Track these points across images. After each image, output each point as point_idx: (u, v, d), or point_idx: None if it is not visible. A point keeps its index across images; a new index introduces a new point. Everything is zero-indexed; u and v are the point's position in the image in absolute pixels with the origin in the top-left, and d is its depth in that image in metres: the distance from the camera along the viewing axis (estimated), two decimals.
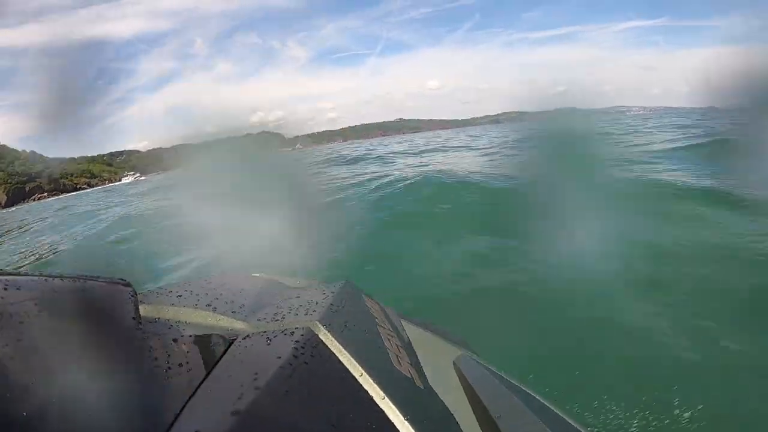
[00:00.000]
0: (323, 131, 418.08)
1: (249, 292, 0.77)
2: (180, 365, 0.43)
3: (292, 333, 0.57)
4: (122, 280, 0.51)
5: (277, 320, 0.64)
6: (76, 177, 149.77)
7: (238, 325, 0.61)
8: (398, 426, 0.50)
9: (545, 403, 0.80)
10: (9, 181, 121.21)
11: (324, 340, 0.58)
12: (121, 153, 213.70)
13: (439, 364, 0.84)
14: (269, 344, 0.53)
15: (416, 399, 0.60)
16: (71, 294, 0.43)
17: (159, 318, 0.59)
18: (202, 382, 0.43)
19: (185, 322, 0.60)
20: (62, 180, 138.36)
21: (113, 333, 0.41)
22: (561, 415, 0.77)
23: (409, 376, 0.65)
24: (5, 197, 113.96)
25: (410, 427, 0.50)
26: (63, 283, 0.44)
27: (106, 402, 0.32)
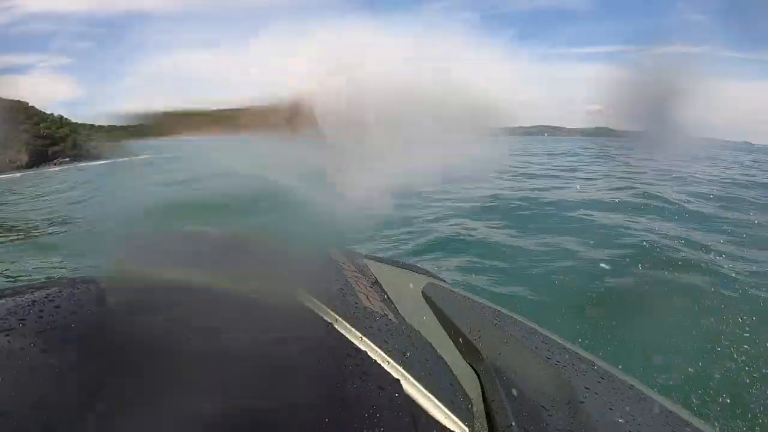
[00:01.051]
0: None
1: (216, 247, 0.80)
2: (175, 332, 0.48)
3: (275, 295, 0.59)
4: (84, 277, 0.56)
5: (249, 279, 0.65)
6: (101, 144, 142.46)
7: (221, 282, 0.61)
8: (380, 362, 0.51)
9: (516, 316, 0.83)
10: (32, 142, 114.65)
11: (302, 300, 0.59)
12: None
13: (408, 295, 0.88)
14: (253, 306, 0.55)
15: (392, 333, 0.60)
16: (38, 298, 0.47)
17: (130, 298, 0.59)
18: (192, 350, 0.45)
19: (173, 285, 0.61)
20: (86, 147, 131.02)
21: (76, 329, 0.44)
22: (532, 325, 0.78)
23: (381, 312, 0.66)
24: (27, 158, 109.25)
25: (391, 361, 0.51)
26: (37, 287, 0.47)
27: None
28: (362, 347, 0.53)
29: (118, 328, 0.43)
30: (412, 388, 0.48)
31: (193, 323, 0.48)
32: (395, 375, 0.50)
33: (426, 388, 0.49)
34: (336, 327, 0.55)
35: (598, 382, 0.65)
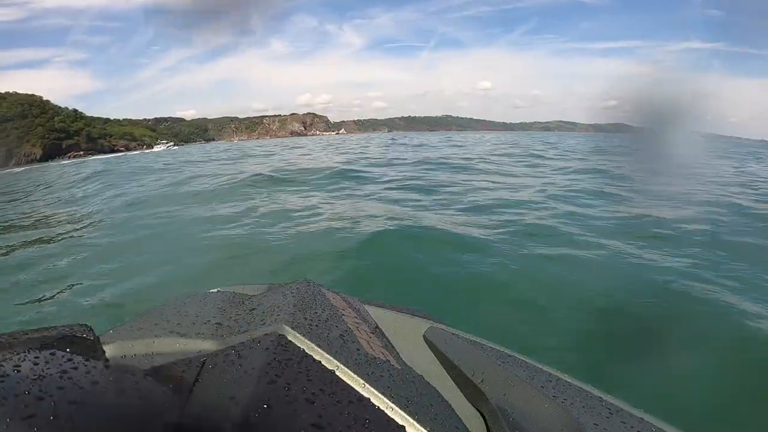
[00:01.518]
0: (368, 119, 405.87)
1: (209, 310, 0.77)
2: (155, 399, 0.43)
3: (260, 341, 0.57)
4: (82, 325, 0.53)
5: (244, 331, 0.63)
6: (116, 139, 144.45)
7: (206, 345, 0.60)
8: (384, 409, 0.50)
9: (522, 358, 0.80)
10: (47, 136, 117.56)
11: (294, 341, 0.59)
12: (166, 119, 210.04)
13: (410, 340, 0.85)
14: (240, 357, 0.54)
15: (396, 379, 0.60)
16: (29, 350, 0.43)
17: (125, 355, 0.59)
18: (181, 411, 0.42)
19: (152, 353, 0.59)
20: (100, 140, 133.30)
21: (81, 381, 0.40)
22: (536, 364, 0.77)
23: (384, 359, 0.66)
24: (41, 151, 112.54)
25: (396, 407, 0.50)
26: (22, 339, 0.45)
27: None
28: (365, 394, 0.51)
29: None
30: None
31: (185, 382, 0.46)
32: (400, 421, 0.49)
33: None
34: (338, 374, 0.54)
35: (607, 417, 0.64)
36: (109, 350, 0.56)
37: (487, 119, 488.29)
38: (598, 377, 1.81)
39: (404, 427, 0.48)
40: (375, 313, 0.95)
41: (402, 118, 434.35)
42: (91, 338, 0.50)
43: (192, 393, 0.45)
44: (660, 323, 3.02)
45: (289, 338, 0.59)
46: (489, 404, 0.63)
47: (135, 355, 0.59)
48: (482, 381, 0.67)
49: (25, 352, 0.42)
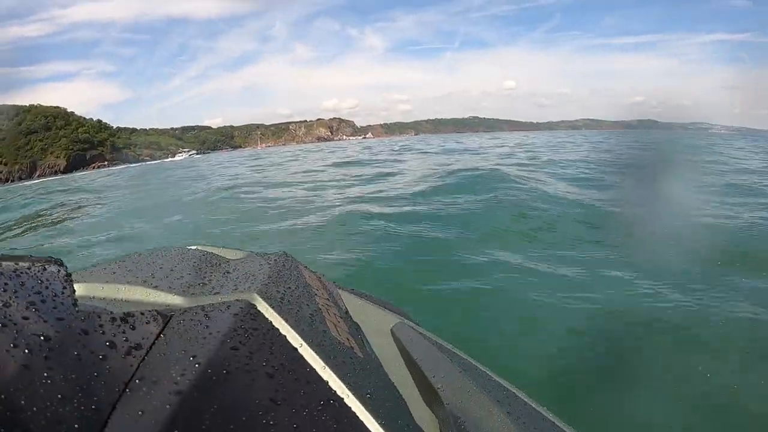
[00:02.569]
0: (395, 122, 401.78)
1: (185, 266, 0.76)
2: (117, 344, 0.42)
3: (229, 306, 0.57)
4: (53, 258, 0.52)
5: (215, 293, 0.63)
6: (141, 148, 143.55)
7: (175, 300, 0.61)
8: (340, 394, 0.50)
9: (480, 367, 0.81)
10: (71, 147, 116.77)
11: (263, 312, 0.58)
12: (192, 128, 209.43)
13: (378, 332, 0.85)
14: (208, 318, 0.53)
15: (356, 367, 0.60)
16: (8, 273, 0.43)
17: (94, 296, 0.59)
18: (141, 361, 0.42)
19: (121, 299, 0.60)
20: (125, 150, 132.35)
21: (46, 314, 0.40)
22: (494, 376, 0.77)
23: (348, 345, 0.65)
24: (65, 162, 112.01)
25: (351, 395, 0.50)
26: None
27: (41, 388, 0.32)
28: (324, 376, 0.51)
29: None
30: (370, 424, 0.48)
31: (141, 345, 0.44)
32: (354, 409, 0.49)
33: (383, 427, 0.48)
34: (300, 351, 0.53)
35: None
36: (78, 289, 0.54)
37: (513, 119, 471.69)
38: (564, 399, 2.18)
39: (357, 415, 0.48)
40: (347, 298, 0.94)
41: (428, 121, 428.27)
42: (62, 274, 0.48)
43: (153, 346, 0.44)
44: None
45: (259, 308, 0.58)
46: (444, 409, 0.62)
47: (103, 298, 0.58)
48: (441, 386, 0.66)
49: None
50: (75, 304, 0.43)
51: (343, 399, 0.49)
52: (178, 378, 0.39)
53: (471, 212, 6.80)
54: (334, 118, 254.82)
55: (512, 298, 3.46)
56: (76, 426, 0.30)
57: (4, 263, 0.44)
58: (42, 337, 0.35)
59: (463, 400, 0.63)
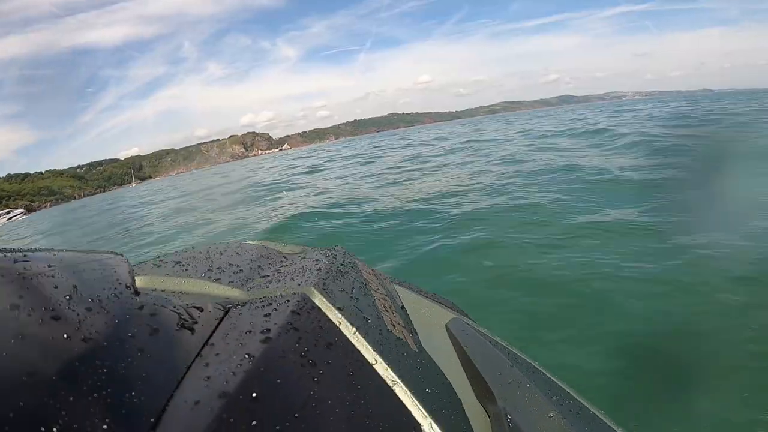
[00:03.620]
0: (314, 130, 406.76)
1: (243, 260, 0.78)
2: (176, 335, 0.43)
3: (287, 300, 0.58)
4: (116, 253, 0.53)
5: (273, 287, 0.65)
6: (14, 200, 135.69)
7: (234, 293, 0.62)
8: (393, 388, 0.52)
9: (536, 366, 0.81)
10: None
11: (319, 305, 0.59)
12: (100, 163, 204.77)
13: (432, 327, 0.86)
14: (265, 311, 0.54)
15: (410, 362, 0.61)
16: (76, 265, 0.44)
17: (155, 288, 0.61)
18: (199, 352, 0.43)
19: (181, 291, 0.62)
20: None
21: (109, 304, 0.40)
22: (550, 376, 0.79)
23: (403, 339, 0.66)
24: None
25: (405, 389, 0.52)
26: (58, 255, 0.45)
27: (105, 374, 0.32)
28: (378, 369, 0.53)
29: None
30: (422, 418, 0.50)
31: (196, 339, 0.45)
32: (406, 403, 0.51)
33: (435, 420, 0.50)
34: (354, 344, 0.55)
35: None
36: (140, 281, 0.58)
37: (434, 111, 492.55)
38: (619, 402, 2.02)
39: (409, 408, 0.50)
40: (403, 293, 0.97)
41: (348, 123, 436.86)
42: (125, 267, 0.49)
43: (211, 337, 0.46)
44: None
45: (315, 301, 0.59)
46: (496, 405, 0.62)
47: (164, 290, 0.61)
48: (493, 381, 0.67)
49: (60, 271, 0.41)
50: (137, 295, 0.45)
51: (396, 392, 0.51)
52: (234, 369, 0.40)
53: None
54: (249, 133, 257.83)
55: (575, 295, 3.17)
56: (134, 414, 0.31)
57: (67, 256, 0.45)
58: (105, 327, 0.36)
59: (516, 397, 0.64)
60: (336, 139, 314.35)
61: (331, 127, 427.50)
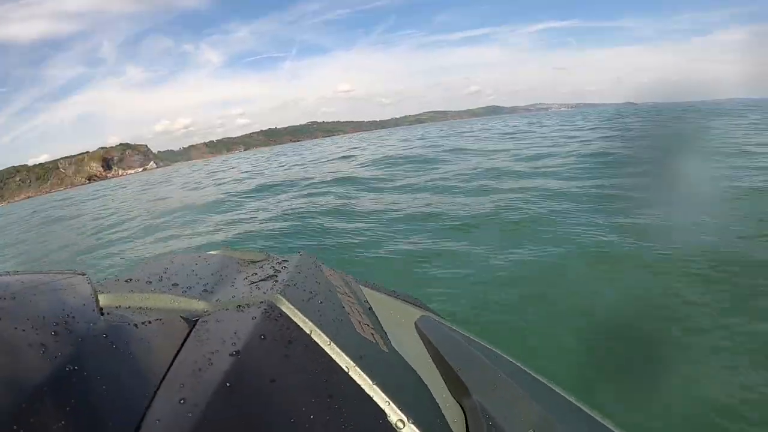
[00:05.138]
0: (222, 139, 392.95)
1: (207, 270, 0.78)
2: (146, 351, 0.44)
3: (254, 309, 0.59)
4: (77, 270, 0.55)
5: (238, 296, 0.65)
6: None
7: (200, 305, 0.62)
8: (368, 391, 0.52)
9: (506, 356, 0.83)
10: None
11: (287, 312, 0.60)
12: None
13: (401, 326, 0.87)
14: (232, 322, 0.55)
15: (383, 363, 0.63)
16: (31, 289, 0.45)
17: (120, 306, 0.60)
18: (170, 366, 0.44)
19: (146, 307, 0.61)
20: None
21: (76, 325, 0.41)
22: (521, 366, 0.81)
23: (373, 341, 0.68)
24: None
25: (379, 391, 0.52)
26: (20, 278, 0.47)
27: (74, 395, 0.33)
28: (350, 373, 0.53)
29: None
30: (397, 417, 0.50)
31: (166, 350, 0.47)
32: (380, 403, 0.51)
33: (410, 420, 0.51)
34: (325, 350, 0.56)
35: (586, 429, 0.67)
36: (105, 299, 0.57)
37: (356, 120, 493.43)
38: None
39: (384, 409, 0.50)
40: (370, 294, 0.96)
41: (261, 132, 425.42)
42: (88, 287, 0.50)
43: (180, 352, 0.46)
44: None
45: (283, 309, 0.60)
46: (471, 399, 0.63)
47: (128, 307, 0.59)
48: (467, 376, 0.68)
49: (21, 295, 0.42)
50: (102, 313, 0.45)
51: (370, 395, 0.51)
52: (206, 381, 0.41)
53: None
54: (118, 145, 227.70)
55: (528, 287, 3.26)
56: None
57: (30, 278, 0.46)
58: (70, 349, 0.37)
59: (489, 389, 0.65)
60: (245, 149, 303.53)
61: (241, 136, 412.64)
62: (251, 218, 7.40)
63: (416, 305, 1.03)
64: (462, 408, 0.65)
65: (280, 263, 0.84)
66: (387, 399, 0.52)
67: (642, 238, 3.82)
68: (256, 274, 0.78)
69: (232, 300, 0.64)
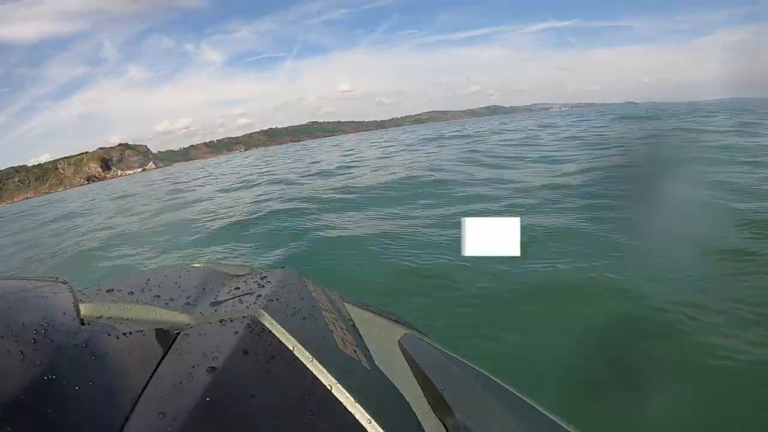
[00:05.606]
0: (222, 139, 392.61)
1: (190, 283, 0.78)
2: (126, 363, 0.44)
3: (236, 323, 0.59)
4: (58, 278, 0.55)
5: (221, 310, 0.65)
6: None
7: (182, 317, 0.62)
8: (350, 408, 0.52)
9: (489, 376, 0.82)
10: None
11: (269, 327, 0.60)
12: None
13: (385, 344, 0.87)
14: (214, 335, 0.55)
15: (365, 380, 0.63)
16: (10, 296, 0.45)
17: (101, 316, 0.60)
18: (149, 379, 0.43)
19: (128, 318, 0.61)
20: None
21: (55, 334, 0.41)
22: (504, 385, 0.80)
23: (355, 358, 0.68)
24: None
25: (361, 409, 0.52)
26: (5, 283, 0.47)
27: (52, 406, 0.33)
28: (333, 390, 0.53)
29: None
30: None
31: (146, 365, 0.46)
32: (362, 422, 0.51)
33: None
34: (308, 366, 0.56)
35: None
36: (86, 309, 0.56)
37: (357, 120, 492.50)
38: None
39: (365, 427, 0.50)
40: (353, 311, 0.96)
41: (262, 132, 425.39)
42: (69, 295, 0.50)
43: (160, 365, 0.46)
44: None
45: (265, 323, 0.60)
46: (454, 418, 0.63)
47: (110, 317, 0.59)
48: (450, 395, 0.67)
49: (1, 303, 0.42)
50: (82, 323, 0.45)
51: (352, 413, 0.51)
52: (185, 395, 0.41)
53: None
54: (117, 146, 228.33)
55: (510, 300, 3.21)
56: None
57: (10, 284, 0.46)
58: (49, 359, 0.37)
59: (472, 408, 0.65)
60: (246, 149, 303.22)
61: (242, 136, 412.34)
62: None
63: (400, 323, 1.01)
64: (445, 426, 0.65)
65: (264, 278, 0.84)
66: (369, 417, 0.51)
67: (635, 256, 3.73)
68: (239, 288, 0.78)
69: (214, 313, 0.64)
